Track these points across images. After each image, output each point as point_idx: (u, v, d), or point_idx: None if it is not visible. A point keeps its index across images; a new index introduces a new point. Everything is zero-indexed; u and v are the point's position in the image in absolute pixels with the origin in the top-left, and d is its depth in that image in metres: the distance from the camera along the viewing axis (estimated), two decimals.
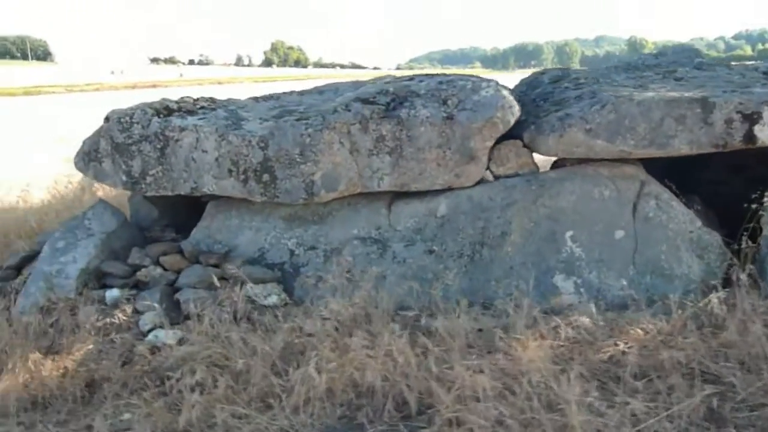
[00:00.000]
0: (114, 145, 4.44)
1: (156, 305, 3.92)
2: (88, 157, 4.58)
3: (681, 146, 3.68)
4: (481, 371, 2.83)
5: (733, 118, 3.58)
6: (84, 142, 4.65)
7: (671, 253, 3.82)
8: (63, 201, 6.27)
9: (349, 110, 4.06)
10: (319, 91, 5.32)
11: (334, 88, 5.27)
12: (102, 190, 6.44)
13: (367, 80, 5.16)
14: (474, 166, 4.01)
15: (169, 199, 4.87)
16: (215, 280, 4.04)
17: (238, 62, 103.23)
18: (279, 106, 4.83)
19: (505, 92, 3.99)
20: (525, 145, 4.18)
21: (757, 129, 3.55)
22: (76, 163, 4.72)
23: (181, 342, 3.66)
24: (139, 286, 4.24)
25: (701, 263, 3.83)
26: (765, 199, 3.52)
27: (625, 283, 3.77)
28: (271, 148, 4.05)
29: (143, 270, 4.25)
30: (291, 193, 4.08)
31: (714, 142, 3.65)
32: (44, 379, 3.34)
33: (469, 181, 4.05)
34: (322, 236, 4.20)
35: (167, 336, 3.69)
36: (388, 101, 4.12)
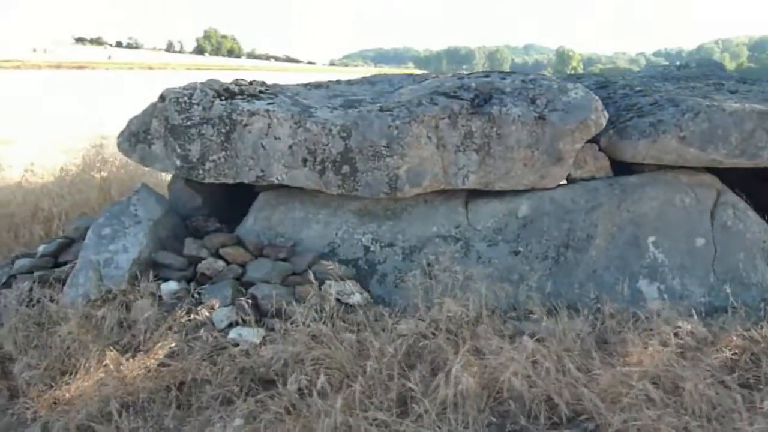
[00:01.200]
0: (169, 127, 4.11)
1: (228, 301, 3.68)
2: (136, 139, 4.23)
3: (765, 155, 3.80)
4: (627, 376, 2.79)
5: None
6: (130, 122, 4.29)
7: (748, 262, 3.92)
8: (66, 184, 5.76)
9: (436, 104, 3.93)
10: (370, 81, 5.15)
11: (387, 80, 5.11)
12: (101, 173, 5.98)
13: (419, 74, 5.03)
14: (559, 167, 3.97)
15: (212, 187, 4.58)
16: (291, 275, 3.84)
17: (169, 48, 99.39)
18: (336, 94, 4.63)
19: (594, 95, 3.97)
20: (600, 149, 4.18)
21: None
22: (119, 144, 4.35)
23: (265, 341, 3.43)
24: (198, 280, 3.95)
25: None
26: None
27: (705, 290, 3.84)
28: (354, 139, 3.86)
29: (204, 262, 3.96)
30: (372, 187, 3.90)
31: None
32: (127, 379, 3.05)
33: (553, 183, 4.01)
34: (399, 233, 4.05)
35: (252, 334, 3.45)
36: (472, 97, 4.02)
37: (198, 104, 4.09)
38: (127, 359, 3.20)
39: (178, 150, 4.13)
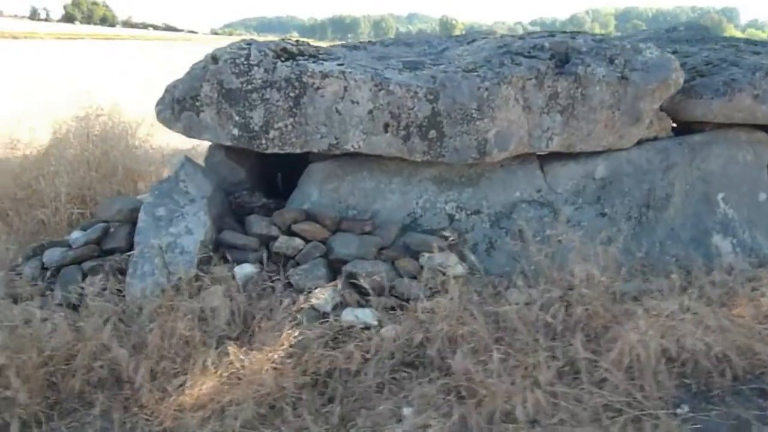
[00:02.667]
0: (224, 92, 3.67)
1: (323, 281, 3.38)
2: (180, 106, 3.75)
3: None
4: None
5: None
6: (172, 88, 3.80)
7: None
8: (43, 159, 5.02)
9: (519, 64, 3.77)
10: (405, 43, 4.87)
11: (425, 41, 4.86)
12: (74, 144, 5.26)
13: (465, 34, 4.83)
14: (636, 128, 3.96)
15: (252, 158, 4.20)
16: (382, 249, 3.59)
17: (33, 15, 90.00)
18: (383, 56, 4.33)
19: (670, 54, 3.98)
20: (661, 109, 4.22)
21: None
22: (159, 113, 3.84)
23: (381, 322, 3.19)
24: (273, 260, 3.60)
25: None
26: None
27: (754, 241, 4.02)
28: (443, 102, 3.63)
29: (280, 241, 3.61)
30: (459, 152, 3.70)
31: None
32: (261, 377, 2.70)
33: (629, 143, 4.00)
34: (482, 199, 3.89)
35: (369, 316, 3.20)
36: (549, 57, 3.90)
37: (258, 66, 3.67)
38: (246, 353, 2.84)
39: (236, 117, 3.70)
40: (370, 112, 3.66)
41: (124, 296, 3.25)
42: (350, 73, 3.65)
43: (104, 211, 3.79)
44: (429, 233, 3.77)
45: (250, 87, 3.67)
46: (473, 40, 4.58)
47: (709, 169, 4.07)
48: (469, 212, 3.86)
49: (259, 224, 3.70)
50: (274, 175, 4.52)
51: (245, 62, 3.68)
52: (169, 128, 3.90)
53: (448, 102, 3.63)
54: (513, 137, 3.76)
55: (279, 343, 2.86)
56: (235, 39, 4.52)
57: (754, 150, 4.18)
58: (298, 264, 3.53)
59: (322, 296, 3.27)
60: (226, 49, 3.76)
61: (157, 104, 3.84)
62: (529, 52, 3.93)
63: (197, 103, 3.74)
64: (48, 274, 3.43)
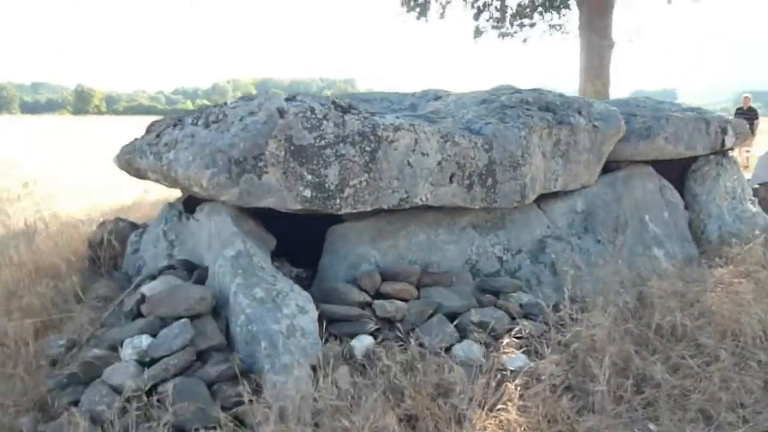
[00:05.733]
0: (292, 150, 3.29)
1: (455, 337, 3.26)
2: (240, 168, 3.22)
3: (699, 148, 5.38)
4: None
5: (718, 130, 5.50)
6: (228, 148, 3.21)
7: (686, 225, 5.46)
8: None
9: (531, 116, 4.22)
10: (370, 99, 4.86)
11: (378, 98, 4.93)
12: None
13: (419, 92, 5.06)
14: (598, 167, 4.75)
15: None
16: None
17: None
18: (393, 110, 4.33)
19: (612, 107, 4.89)
20: None
21: (727, 138, 5.57)
22: (210, 178, 3.19)
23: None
24: (380, 327, 3.31)
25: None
26: None
27: (679, 248, 5.20)
28: (496, 150, 3.85)
29: (377, 306, 3.34)
30: (508, 197, 3.95)
31: (711, 146, 5.50)
32: None
33: (593, 181, 4.76)
34: (514, 240, 4.18)
35: (521, 359, 3.20)
36: (538, 109, 4.43)
37: (326, 119, 3.38)
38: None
39: (308, 177, 3.32)
40: (439, 163, 3.68)
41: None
42: (420, 125, 3.62)
43: (161, 306, 2.96)
44: (485, 275, 3.91)
45: (323, 143, 3.35)
46: (438, 97, 4.86)
47: (635, 197, 5.08)
48: (513, 253, 4.11)
49: (349, 291, 3.35)
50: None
51: (312, 115, 3.35)
52: (219, 196, 3.26)
53: (500, 150, 3.87)
54: (538, 180, 4.17)
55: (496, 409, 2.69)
56: None
57: (651, 180, 5.36)
58: (408, 325, 3.31)
59: (465, 349, 3.17)
60: (284, 102, 3.36)
61: (207, 167, 3.19)
62: (526, 105, 4.40)
63: (260, 164, 3.24)
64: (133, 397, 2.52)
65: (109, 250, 5.02)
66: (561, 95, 4.81)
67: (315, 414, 2.49)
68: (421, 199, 3.67)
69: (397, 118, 3.68)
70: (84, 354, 3.02)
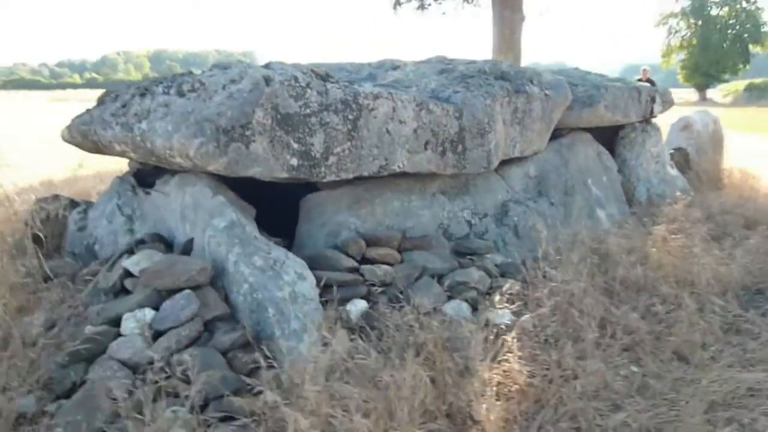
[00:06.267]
0: (279, 118, 3.29)
1: (443, 297, 3.42)
2: (228, 137, 3.18)
3: (633, 116, 5.78)
4: None
5: (648, 99, 5.93)
6: (215, 116, 3.16)
7: (623, 187, 5.89)
8: None
9: (492, 85, 4.40)
10: (339, 68, 4.84)
11: (343, 68, 4.93)
12: None
13: (376, 62, 5.10)
14: (548, 134, 5.01)
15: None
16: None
17: None
18: (357, 79, 4.36)
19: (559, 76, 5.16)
20: None
21: (655, 107, 6.02)
22: (199, 147, 3.13)
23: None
24: (371, 292, 3.41)
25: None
26: None
27: (617, 210, 5.62)
28: (466, 118, 4.00)
29: (368, 269, 3.44)
30: (475, 163, 4.12)
31: (643, 114, 5.92)
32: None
33: (543, 148, 5.03)
34: (480, 204, 4.37)
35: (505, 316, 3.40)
36: (495, 78, 4.62)
37: (310, 88, 3.40)
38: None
39: (295, 145, 3.34)
40: (415, 131, 3.78)
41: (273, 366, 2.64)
42: (397, 93, 3.70)
43: (160, 279, 2.91)
44: (455, 239, 4.10)
45: (308, 111, 3.36)
46: (396, 67, 4.93)
47: (579, 162, 5.42)
48: (480, 216, 4.31)
49: (341, 258, 3.42)
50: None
51: (296, 83, 3.35)
52: (207, 166, 3.21)
53: (470, 118, 4.03)
54: (500, 146, 4.37)
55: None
56: None
57: (591, 146, 5.72)
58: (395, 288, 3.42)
59: (453, 306, 3.34)
60: (272, 70, 3.33)
61: (195, 137, 3.12)
62: (483, 75, 4.57)
63: (247, 132, 3.21)
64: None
65: (51, 228, 4.80)
66: (511, 65, 5.02)
67: (344, 373, 2.55)
68: (398, 166, 3.76)
69: (374, 86, 3.74)
70: (74, 332, 2.94)
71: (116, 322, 2.83)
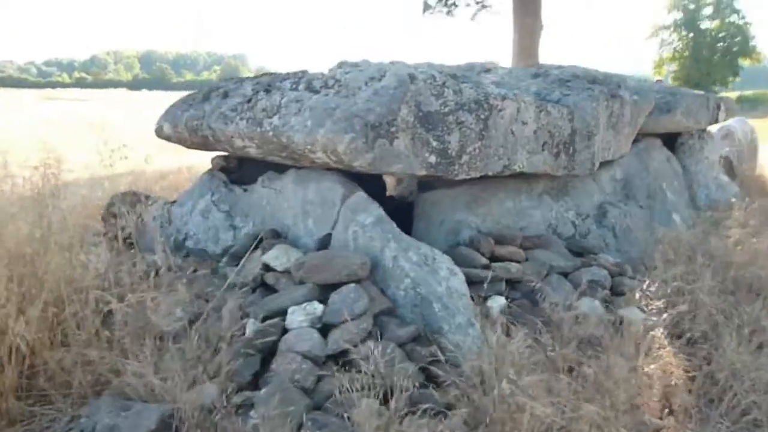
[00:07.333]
0: (421, 115, 3.33)
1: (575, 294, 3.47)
2: (375, 134, 3.21)
3: (703, 122, 5.90)
4: None
5: (715, 106, 6.05)
6: (364, 112, 3.19)
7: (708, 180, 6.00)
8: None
9: (593, 90, 4.46)
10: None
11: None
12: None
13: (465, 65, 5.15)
14: (632, 138, 5.10)
15: None
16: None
17: None
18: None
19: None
20: None
21: (720, 114, 6.14)
22: (350, 143, 3.15)
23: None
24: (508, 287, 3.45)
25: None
26: None
27: (688, 214, 5.72)
28: (577, 120, 4.06)
29: (501, 266, 3.48)
30: (583, 165, 4.18)
31: (710, 120, 6.04)
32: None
33: (628, 152, 5.11)
34: (580, 206, 4.43)
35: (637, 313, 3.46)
36: (589, 83, 4.69)
37: (447, 87, 3.44)
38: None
39: (434, 143, 3.37)
40: (535, 132, 3.83)
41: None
42: (520, 95, 3.75)
43: (319, 273, 2.92)
44: (564, 239, 4.15)
45: (446, 109, 3.40)
46: (487, 70, 4.98)
47: (655, 167, 5.51)
48: (583, 218, 4.37)
49: (475, 256, 3.45)
50: None
51: (437, 82, 3.39)
52: (353, 162, 3.22)
53: (580, 121, 4.09)
54: (601, 150, 4.44)
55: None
56: None
57: (662, 151, 5.82)
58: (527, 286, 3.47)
59: (589, 305, 3.39)
60: (410, 68, 3.37)
61: (346, 132, 3.14)
62: (576, 80, 4.64)
63: (392, 129, 3.24)
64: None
65: (123, 224, 4.82)
66: (595, 71, 5.10)
67: (520, 368, 2.58)
68: (518, 166, 3.81)
69: (497, 87, 3.79)
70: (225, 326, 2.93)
71: (276, 315, 2.84)
